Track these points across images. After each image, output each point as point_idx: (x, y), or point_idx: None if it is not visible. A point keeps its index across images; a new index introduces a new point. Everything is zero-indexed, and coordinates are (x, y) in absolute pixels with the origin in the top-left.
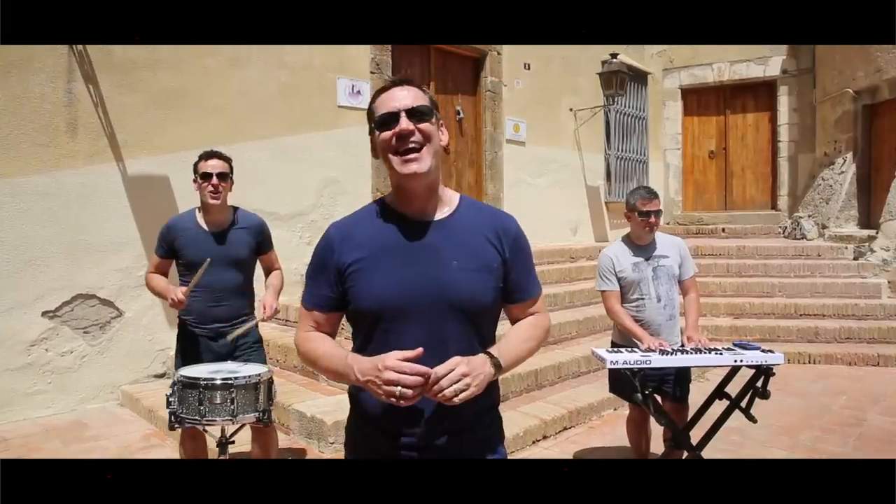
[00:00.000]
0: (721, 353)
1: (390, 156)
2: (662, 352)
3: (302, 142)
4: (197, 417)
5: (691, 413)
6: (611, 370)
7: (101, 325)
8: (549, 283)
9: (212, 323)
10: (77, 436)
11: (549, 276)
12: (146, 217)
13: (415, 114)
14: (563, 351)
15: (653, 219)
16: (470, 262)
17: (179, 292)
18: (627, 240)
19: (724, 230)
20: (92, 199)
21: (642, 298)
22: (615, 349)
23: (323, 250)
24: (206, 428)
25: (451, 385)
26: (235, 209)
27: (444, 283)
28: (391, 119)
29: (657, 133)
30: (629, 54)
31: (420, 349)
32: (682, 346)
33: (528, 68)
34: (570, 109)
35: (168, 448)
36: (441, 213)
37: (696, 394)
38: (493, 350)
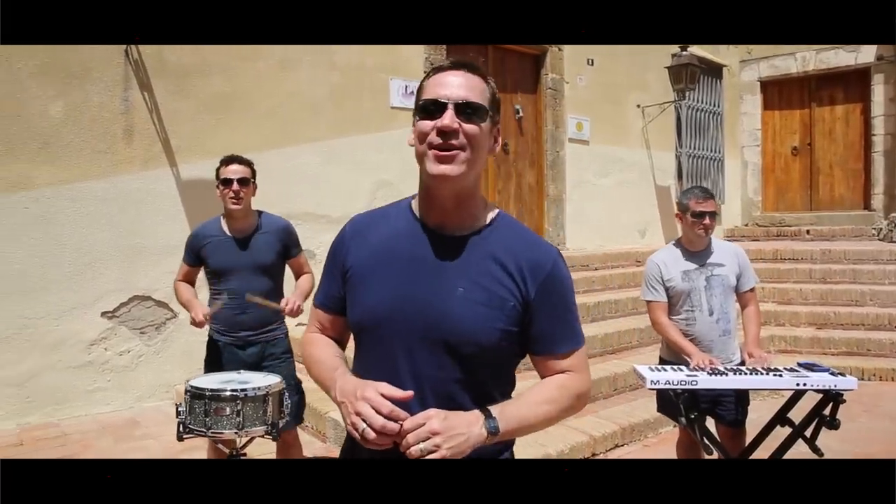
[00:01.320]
0: (781, 375)
1: (425, 149)
2: (713, 371)
3: (354, 144)
4: (203, 429)
5: (749, 440)
6: (660, 390)
7: (156, 325)
8: (611, 287)
9: (239, 331)
10: (128, 434)
11: (611, 281)
12: (198, 220)
13: (465, 110)
14: (620, 361)
15: (707, 220)
16: (478, 293)
17: (201, 314)
18: (679, 245)
19: (808, 232)
20: (147, 203)
21: (692, 310)
22: (660, 366)
23: (335, 244)
24: (216, 440)
25: (416, 442)
26: (260, 213)
27: (440, 310)
28: (436, 108)
29: (734, 129)
30: (702, 46)
31: (410, 392)
32: (740, 364)
33: (592, 64)
34: (638, 106)
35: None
36: (464, 230)
37: (765, 413)
38: (494, 408)
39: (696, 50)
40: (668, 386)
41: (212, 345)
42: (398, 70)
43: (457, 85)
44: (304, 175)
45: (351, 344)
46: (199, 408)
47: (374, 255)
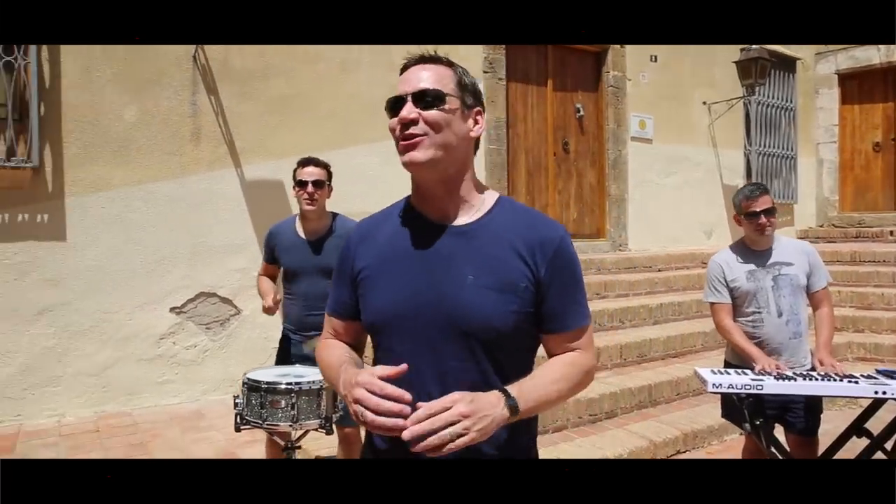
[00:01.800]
0: (857, 382)
1: (396, 143)
2: (781, 376)
3: None
4: (258, 421)
5: (822, 450)
6: (722, 394)
7: (221, 321)
8: (675, 289)
9: (308, 330)
10: (194, 425)
11: (675, 283)
12: (262, 220)
13: (422, 98)
14: (683, 365)
15: (763, 219)
16: (489, 278)
17: (270, 299)
18: (742, 245)
19: (892, 233)
20: (212, 202)
21: (759, 312)
22: (724, 370)
23: (343, 251)
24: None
25: (442, 426)
26: (335, 216)
27: (452, 300)
28: (398, 103)
29: (808, 125)
30: None
31: (403, 367)
32: (811, 370)
33: (655, 60)
34: (704, 103)
35: None
36: (466, 218)
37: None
38: (511, 388)
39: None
40: (731, 390)
41: (283, 341)
42: None
43: (415, 78)
44: (362, 175)
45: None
46: (255, 400)
47: (381, 255)
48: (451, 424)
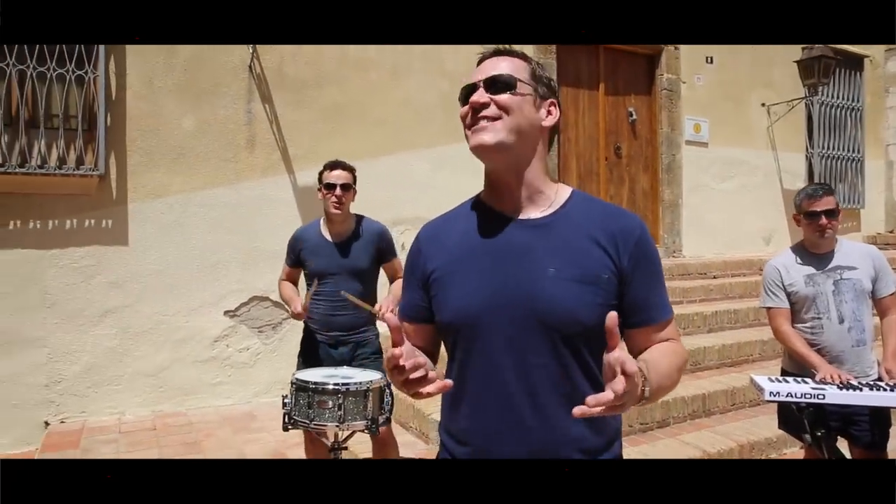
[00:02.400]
0: None
1: (466, 132)
2: (844, 385)
3: (463, 150)
4: (306, 421)
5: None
6: (780, 403)
7: (273, 325)
8: (731, 297)
9: (333, 330)
10: (245, 426)
11: (731, 290)
12: None
13: (494, 84)
14: (739, 374)
15: (824, 220)
16: (571, 271)
17: (299, 305)
18: (801, 248)
19: None
20: (266, 208)
21: (819, 318)
22: (781, 378)
23: (412, 254)
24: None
25: (624, 392)
26: (360, 218)
27: (534, 294)
28: (470, 91)
29: (876, 126)
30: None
31: (448, 382)
32: (877, 380)
33: (711, 62)
34: (763, 105)
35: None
36: (543, 211)
37: None
38: (643, 367)
39: None
40: (789, 399)
41: (306, 339)
42: None
43: (489, 68)
44: (413, 181)
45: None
46: (303, 400)
47: (453, 255)
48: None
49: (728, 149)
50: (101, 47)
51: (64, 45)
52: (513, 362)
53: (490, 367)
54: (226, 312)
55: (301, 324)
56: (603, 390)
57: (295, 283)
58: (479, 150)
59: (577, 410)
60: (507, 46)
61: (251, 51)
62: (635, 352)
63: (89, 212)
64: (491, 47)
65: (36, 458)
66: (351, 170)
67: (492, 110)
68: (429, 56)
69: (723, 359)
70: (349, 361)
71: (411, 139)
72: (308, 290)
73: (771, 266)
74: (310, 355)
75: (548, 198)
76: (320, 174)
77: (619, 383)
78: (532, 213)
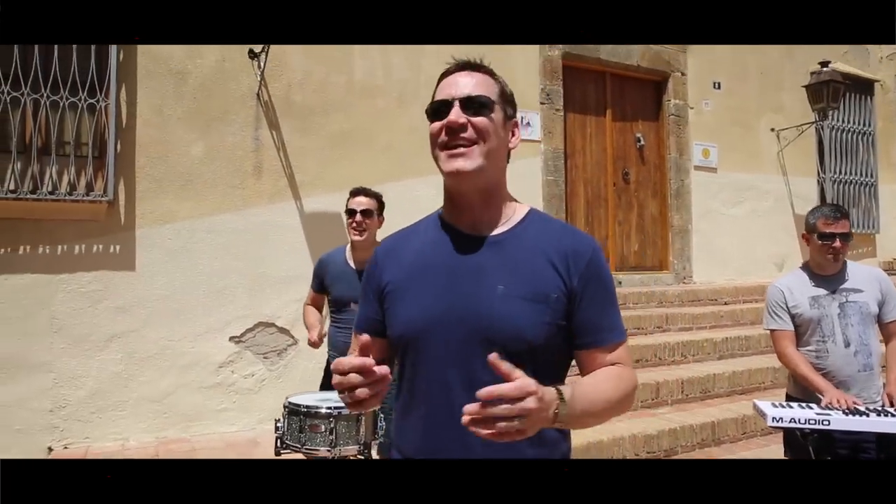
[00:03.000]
0: None
1: (437, 151)
2: (851, 410)
3: None
4: (297, 445)
5: None
6: (785, 429)
7: (278, 351)
8: (742, 323)
9: None
10: (248, 452)
11: (742, 316)
12: (319, 251)
13: (471, 104)
14: (750, 402)
15: (837, 243)
16: (520, 289)
17: (315, 334)
18: (806, 269)
19: None
20: (273, 235)
21: (824, 341)
22: (786, 403)
23: (369, 268)
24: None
25: (507, 417)
26: None
27: (482, 311)
28: (443, 108)
29: (889, 150)
30: (848, 61)
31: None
32: (883, 406)
33: (719, 87)
34: (772, 129)
35: None
36: (498, 229)
37: None
38: (565, 389)
39: (840, 65)
40: (793, 424)
41: (328, 368)
42: None
43: (463, 84)
44: (419, 207)
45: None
46: (295, 424)
47: (409, 269)
48: (513, 418)
49: (737, 174)
50: (114, 76)
51: (77, 74)
52: (460, 379)
53: (437, 383)
54: (231, 338)
55: (307, 351)
56: None
57: (320, 309)
58: (456, 177)
59: (469, 408)
60: (477, 59)
61: (259, 79)
62: (584, 373)
63: (98, 237)
64: (460, 60)
65: None
66: (375, 196)
67: (469, 133)
68: (434, 83)
69: (733, 386)
70: None
71: (417, 165)
72: (331, 326)
73: (775, 287)
74: (328, 385)
75: (505, 216)
76: (347, 200)
77: (509, 388)
78: (488, 230)
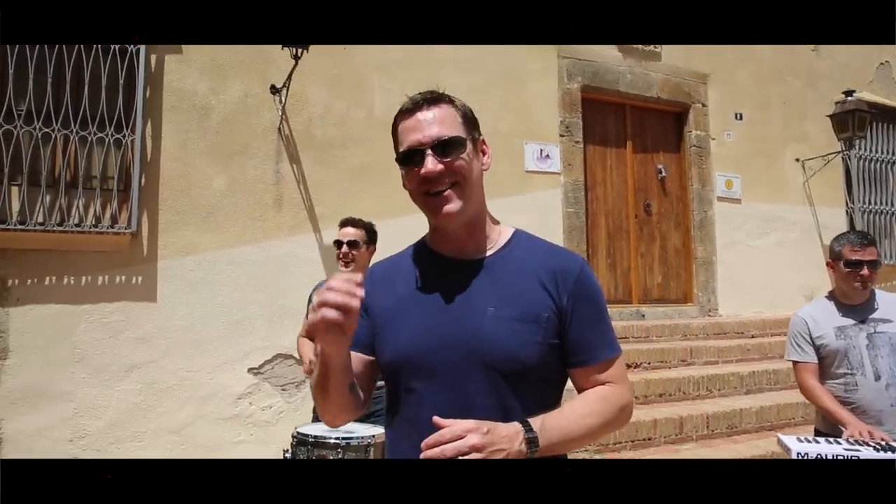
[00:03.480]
0: None
1: (419, 199)
2: (882, 446)
3: (489, 208)
4: None
5: None
6: None
7: (296, 383)
8: (770, 357)
9: None
10: None
11: (770, 350)
12: None
13: (443, 148)
14: None
15: (865, 271)
16: (510, 310)
17: (309, 365)
18: (832, 297)
19: None
20: (292, 266)
21: (852, 374)
22: (814, 438)
23: (370, 279)
24: None
25: (454, 455)
26: None
27: (474, 334)
28: (415, 156)
29: None
30: (874, 90)
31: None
32: None
33: (741, 118)
34: (797, 160)
35: None
36: (483, 252)
37: None
38: (534, 421)
39: (865, 94)
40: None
41: None
42: (531, 134)
43: (428, 123)
44: None
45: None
46: (302, 454)
47: (398, 296)
48: (462, 454)
49: (762, 205)
50: (140, 111)
51: (105, 110)
52: (452, 402)
53: (431, 408)
54: (250, 370)
55: None
56: None
57: (313, 340)
58: (446, 220)
59: (425, 454)
60: (434, 91)
61: (280, 113)
62: (578, 390)
63: (120, 268)
64: (414, 96)
65: None
66: (364, 226)
67: (448, 177)
68: None
69: (761, 422)
70: (366, 418)
71: None
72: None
73: (797, 317)
74: None
75: (491, 240)
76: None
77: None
78: (474, 254)
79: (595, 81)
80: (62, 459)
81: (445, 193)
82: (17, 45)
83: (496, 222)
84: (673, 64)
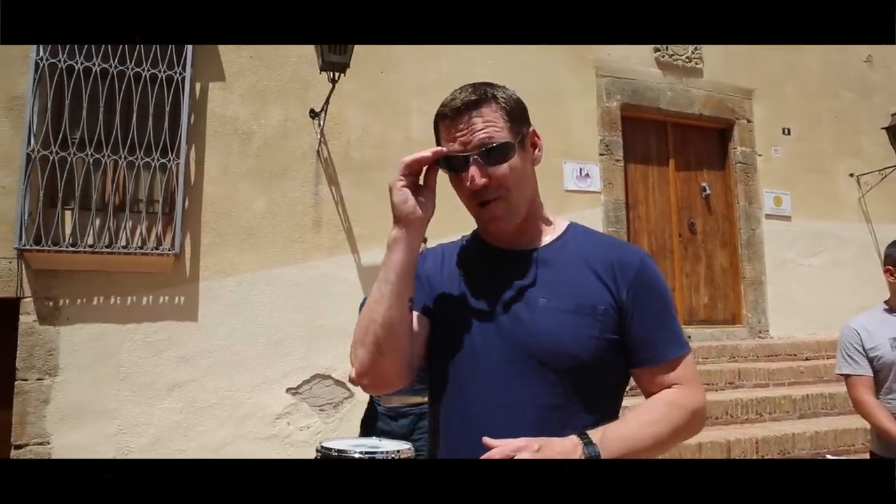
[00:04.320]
0: None
1: (470, 207)
2: None
3: None
4: None
5: None
6: None
7: (334, 404)
8: (825, 380)
9: (394, 402)
10: None
11: (825, 372)
12: None
13: (489, 156)
14: None
15: None
16: (564, 301)
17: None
18: (886, 307)
19: None
20: (330, 287)
21: None
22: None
23: (422, 263)
24: None
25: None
26: None
27: (523, 326)
28: (459, 165)
29: None
30: None
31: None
32: None
33: (788, 133)
34: (851, 175)
35: None
36: (536, 242)
37: None
38: (594, 433)
39: None
40: None
41: (369, 411)
42: (571, 153)
43: (470, 129)
44: None
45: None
46: None
47: (448, 285)
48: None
49: (814, 222)
50: (184, 137)
51: (152, 136)
52: (502, 400)
53: (479, 404)
54: (288, 390)
55: (363, 404)
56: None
57: None
58: (494, 227)
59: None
60: (478, 87)
61: (319, 136)
62: (645, 394)
63: (164, 289)
64: (458, 93)
65: None
66: None
67: (494, 190)
68: None
69: (816, 447)
70: (409, 435)
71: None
72: None
73: (849, 328)
74: (369, 426)
75: (544, 231)
76: None
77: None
78: (527, 245)
79: (635, 99)
80: (62, 459)
81: (491, 205)
82: (74, 78)
83: (549, 214)
84: (715, 80)
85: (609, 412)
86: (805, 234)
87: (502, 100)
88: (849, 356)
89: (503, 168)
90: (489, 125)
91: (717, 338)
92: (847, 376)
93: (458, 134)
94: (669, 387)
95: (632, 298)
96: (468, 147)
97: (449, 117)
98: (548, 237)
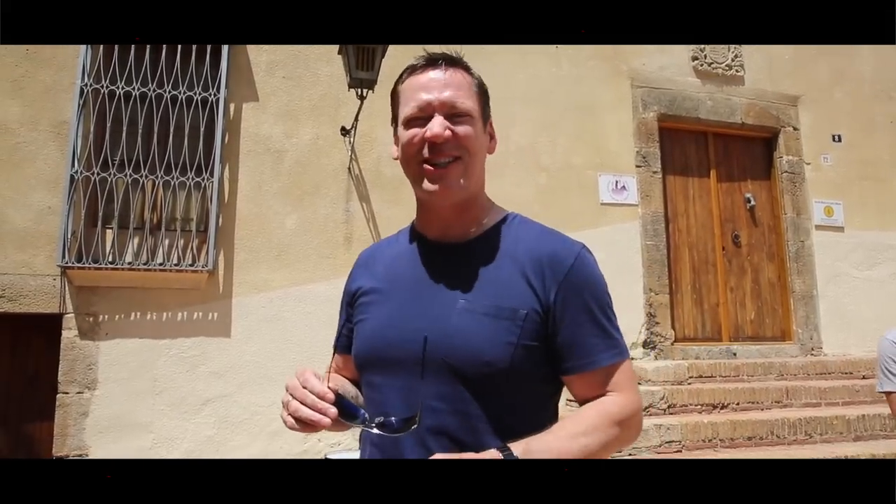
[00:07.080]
0: None
1: (415, 166)
2: None
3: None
4: None
5: None
6: None
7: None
8: (878, 401)
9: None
10: None
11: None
12: None
13: (455, 113)
14: None
15: None
16: (484, 303)
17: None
18: None
19: None
20: None
21: None
22: None
23: (347, 281)
24: None
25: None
26: None
27: (437, 328)
28: (420, 118)
29: None
30: None
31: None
32: None
33: (839, 140)
34: None
35: None
36: (468, 235)
37: None
38: (516, 446)
39: None
40: None
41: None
42: (606, 166)
43: (440, 84)
44: None
45: None
46: None
47: (377, 281)
48: None
49: (870, 232)
50: (218, 156)
51: (188, 156)
52: (403, 406)
53: (387, 408)
54: None
55: None
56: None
57: None
58: (439, 196)
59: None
60: (455, 52)
61: (350, 154)
62: (579, 402)
63: (198, 305)
64: (432, 53)
65: None
66: None
67: (454, 147)
68: (524, 153)
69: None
70: None
71: None
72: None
73: (887, 341)
74: None
75: (478, 221)
76: None
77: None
78: (457, 237)
79: (672, 109)
80: (62, 459)
81: (447, 167)
82: (115, 102)
83: (491, 204)
84: (757, 87)
85: (537, 422)
86: (860, 246)
87: (476, 76)
88: (889, 371)
89: (468, 128)
90: (461, 87)
91: (765, 355)
92: (888, 394)
93: (428, 83)
94: (604, 394)
95: (561, 300)
96: (434, 103)
97: (419, 69)
98: (480, 228)
